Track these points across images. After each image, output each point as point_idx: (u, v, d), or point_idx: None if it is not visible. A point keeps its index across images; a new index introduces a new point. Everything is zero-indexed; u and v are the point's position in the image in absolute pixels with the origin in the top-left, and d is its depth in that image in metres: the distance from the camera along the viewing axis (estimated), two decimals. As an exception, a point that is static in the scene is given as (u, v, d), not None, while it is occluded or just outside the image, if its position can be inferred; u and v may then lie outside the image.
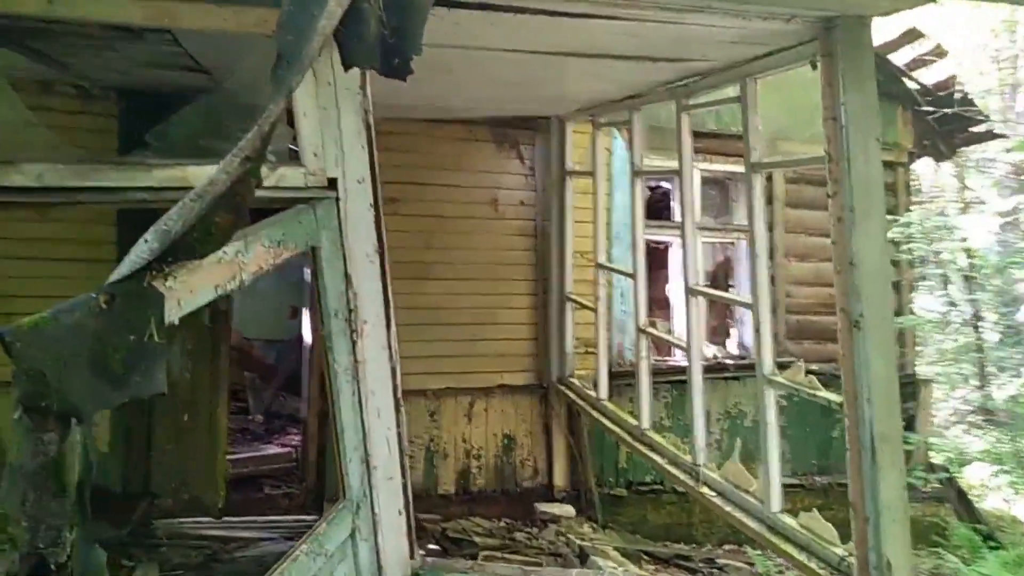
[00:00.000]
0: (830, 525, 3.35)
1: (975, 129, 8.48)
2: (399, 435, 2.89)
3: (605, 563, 5.06)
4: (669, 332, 5.99)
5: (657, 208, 7.68)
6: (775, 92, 4.06)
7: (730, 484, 4.01)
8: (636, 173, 5.12)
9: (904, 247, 6.78)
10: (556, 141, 6.44)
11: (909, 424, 7.62)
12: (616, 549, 5.58)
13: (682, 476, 4.34)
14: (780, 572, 5.64)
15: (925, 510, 7.26)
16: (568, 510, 6.12)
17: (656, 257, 7.22)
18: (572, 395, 6.01)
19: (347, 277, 2.62)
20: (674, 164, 6.96)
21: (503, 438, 6.40)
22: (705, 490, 4.15)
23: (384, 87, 4.99)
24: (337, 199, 2.56)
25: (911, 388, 7.72)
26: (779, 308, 7.49)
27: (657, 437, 4.81)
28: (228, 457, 5.86)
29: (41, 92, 5.31)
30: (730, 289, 7.71)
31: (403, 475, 2.93)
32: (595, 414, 5.57)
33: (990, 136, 8.92)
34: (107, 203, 1.95)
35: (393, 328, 2.79)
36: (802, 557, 3.36)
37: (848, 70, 2.95)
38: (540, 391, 6.48)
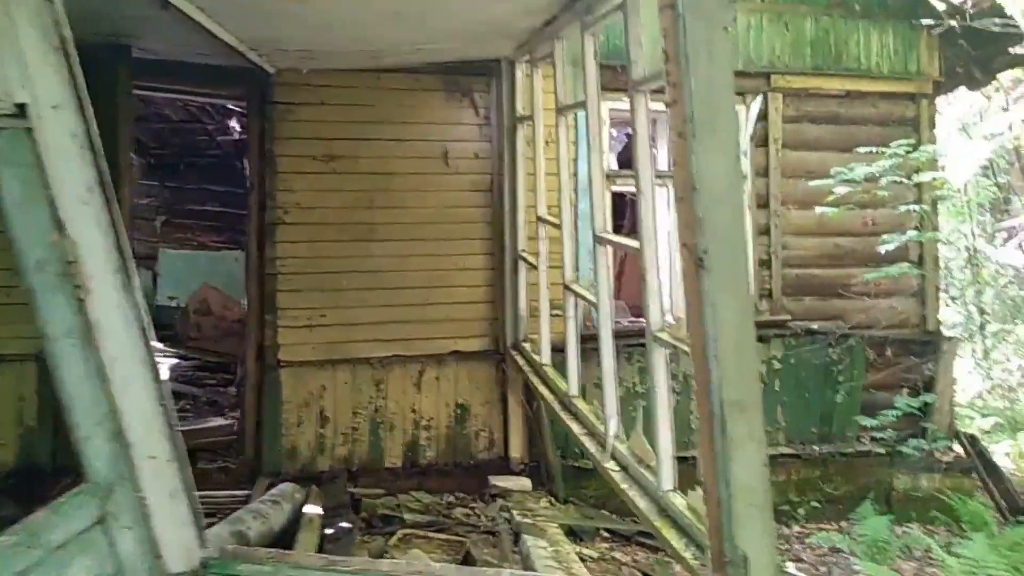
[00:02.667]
0: (710, 508, 2.78)
1: (1017, 50, 7.40)
2: (163, 408, 2.50)
3: (537, 542, 4.60)
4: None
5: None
6: None
7: (634, 458, 3.48)
8: (559, 110, 4.54)
9: (886, 182, 5.91)
10: (506, 85, 5.89)
11: (928, 386, 6.80)
12: (565, 526, 5.11)
13: (593, 448, 3.83)
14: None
15: (944, 482, 6.48)
16: (524, 483, 5.68)
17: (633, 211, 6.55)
18: (522, 361, 5.52)
19: (58, 222, 2.22)
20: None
21: (456, 408, 5.98)
22: (610, 464, 3.62)
23: (277, 34, 4.59)
24: (29, 129, 2.15)
25: (931, 346, 6.87)
26: (775, 261, 6.77)
27: (581, 404, 4.29)
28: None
29: None
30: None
31: (173, 453, 2.55)
32: (536, 380, 5.08)
33: (1034, 57, 7.75)
34: None
35: (136, 283, 2.39)
36: (680, 545, 2.82)
37: (686, -57, 2.33)
38: (496, 357, 6.01)
